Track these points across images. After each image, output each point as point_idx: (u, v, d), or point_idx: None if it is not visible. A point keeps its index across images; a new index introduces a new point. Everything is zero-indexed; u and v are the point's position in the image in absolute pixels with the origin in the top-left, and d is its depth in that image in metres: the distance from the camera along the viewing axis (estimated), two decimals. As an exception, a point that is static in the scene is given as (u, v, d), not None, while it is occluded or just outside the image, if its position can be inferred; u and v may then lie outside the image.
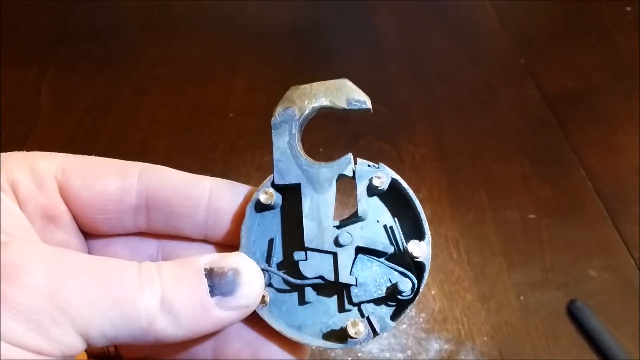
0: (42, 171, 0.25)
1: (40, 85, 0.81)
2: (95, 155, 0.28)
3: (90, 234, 0.28)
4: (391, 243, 0.27)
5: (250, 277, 0.23)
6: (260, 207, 0.27)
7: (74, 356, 0.21)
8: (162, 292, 0.21)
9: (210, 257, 0.23)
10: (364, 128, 0.74)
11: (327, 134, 0.72)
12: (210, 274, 0.23)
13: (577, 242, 0.62)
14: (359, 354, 0.52)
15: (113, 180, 0.26)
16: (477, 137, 0.75)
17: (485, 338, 0.54)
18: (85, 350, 0.28)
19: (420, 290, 0.26)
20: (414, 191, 0.27)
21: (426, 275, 0.26)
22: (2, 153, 0.25)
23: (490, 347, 0.53)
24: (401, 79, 0.83)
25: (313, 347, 0.27)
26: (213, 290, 0.22)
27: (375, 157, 0.27)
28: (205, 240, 0.28)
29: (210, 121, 0.76)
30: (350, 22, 0.95)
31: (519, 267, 0.60)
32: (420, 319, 0.55)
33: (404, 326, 0.54)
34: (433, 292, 0.57)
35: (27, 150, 0.26)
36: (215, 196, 0.27)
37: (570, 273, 0.59)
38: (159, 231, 0.28)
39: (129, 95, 0.80)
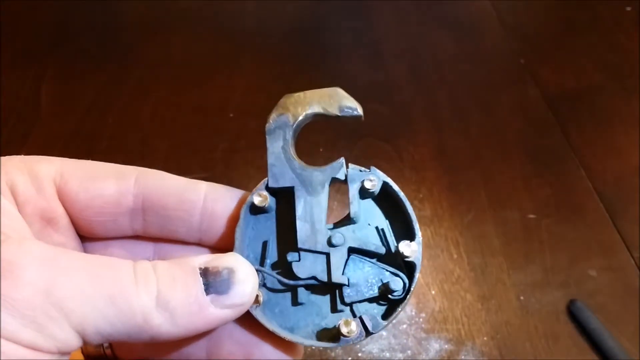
0: (40, 175, 0.26)
1: (40, 85, 0.81)
2: (95, 155, 0.28)
3: (87, 237, 0.28)
4: (383, 244, 0.28)
5: (244, 276, 0.24)
6: (255, 210, 0.28)
7: (70, 353, 0.21)
8: (158, 290, 0.22)
9: (206, 257, 0.24)
10: (364, 128, 0.74)
11: (327, 134, 0.72)
12: (205, 273, 0.23)
13: (577, 242, 0.62)
14: (359, 354, 0.52)
15: (110, 184, 0.27)
16: (477, 137, 0.75)
17: (485, 338, 0.54)
18: (82, 352, 0.29)
19: (412, 289, 0.26)
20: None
21: (417, 275, 0.27)
22: (1, 157, 0.25)
23: (490, 347, 0.53)
24: (401, 79, 0.83)
25: (309, 347, 0.27)
26: (208, 289, 0.23)
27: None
28: (199, 244, 0.29)
29: (210, 121, 0.76)
30: (350, 22, 0.95)
31: (519, 267, 0.60)
32: (420, 319, 0.55)
33: (404, 326, 0.54)
34: (433, 292, 0.57)
35: (26, 151, 0.27)
36: (210, 200, 0.28)
37: (570, 273, 0.59)
38: (154, 234, 0.28)
39: (129, 95, 0.80)
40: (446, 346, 0.53)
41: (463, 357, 0.53)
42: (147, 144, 0.73)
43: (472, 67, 0.86)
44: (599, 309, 0.55)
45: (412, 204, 0.27)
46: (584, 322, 0.54)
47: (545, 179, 0.69)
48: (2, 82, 0.80)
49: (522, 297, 0.57)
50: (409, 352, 0.53)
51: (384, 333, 0.54)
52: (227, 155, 0.71)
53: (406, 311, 0.55)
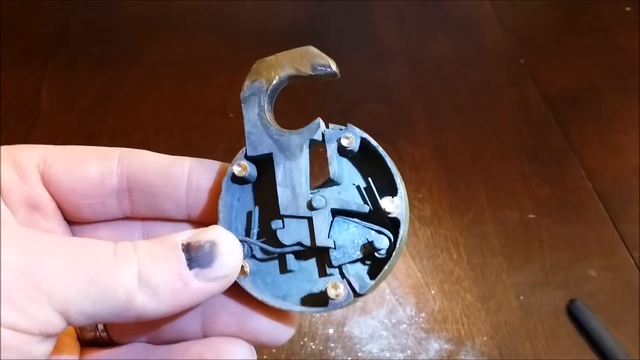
0: (23, 162, 0.26)
1: (40, 85, 0.81)
2: None
3: (75, 222, 0.28)
4: (366, 202, 0.27)
5: (227, 248, 0.23)
6: (237, 181, 0.27)
7: (55, 335, 0.21)
8: (139, 268, 0.22)
9: (189, 233, 0.24)
10: (363, 127, 0.74)
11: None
12: (187, 248, 0.23)
13: (577, 242, 0.62)
14: (359, 354, 0.52)
15: (93, 165, 0.27)
16: (477, 137, 0.75)
17: (485, 338, 0.54)
18: (78, 337, 0.29)
19: (397, 246, 0.25)
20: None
21: (402, 231, 0.26)
22: None
23: (490, 347, 0.53)
24: (401, 79, 0.83)
25: (305, 314, 0.26)
26: (191, 264, 0.22)
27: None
28: (189, 220, 0.29)
29: (210, 121, 0.76)
30: (350, 22, 0.95)
31: (519, 267, 0.60)
32: (420, 319, 0.55)
33: (404, 326, 0.54)
34: (433, 292, 0.57)
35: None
36: (194, 175, 0.27)
37: (570, 273, 0.59)
38: (143, 214, 0.28)
39: (129, 95, 0.80)
40: (446, 346, 0.53)
41: (463, 357, 0.53)
42: (147, 145, 0.72)
43: (472, 67, 0.86)
44: (599, 308, 0.55)
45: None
46: (584, 322, 0.54)
47: (545, 179, 0.69)
48: (2, 82, 0.80)
49: (522, 297, 0.57)
50: (408, 352, 0.53)
51: (383, 333, 0.54)
52: (227, 155, 0.70)
53: (406, 311, 0.55)
